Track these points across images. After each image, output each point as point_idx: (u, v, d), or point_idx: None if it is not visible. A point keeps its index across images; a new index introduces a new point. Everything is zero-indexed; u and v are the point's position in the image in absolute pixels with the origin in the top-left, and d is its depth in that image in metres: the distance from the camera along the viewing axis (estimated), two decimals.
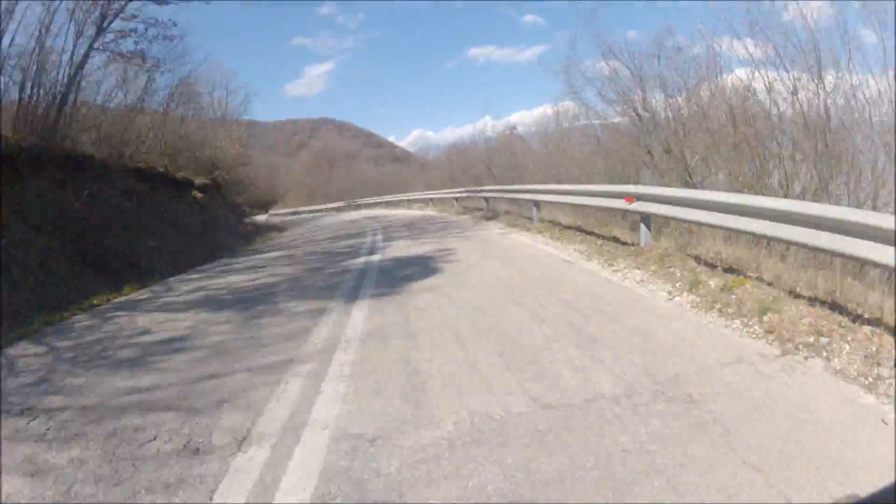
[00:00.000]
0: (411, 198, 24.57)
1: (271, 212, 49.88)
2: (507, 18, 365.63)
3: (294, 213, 42.58)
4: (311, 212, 39.34)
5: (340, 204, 34.76)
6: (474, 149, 25.35)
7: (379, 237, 11.17)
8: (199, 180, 20.22)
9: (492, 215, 12.34)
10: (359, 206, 32.10)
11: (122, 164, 13.95)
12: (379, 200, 28.91)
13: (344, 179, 41.27)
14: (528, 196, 10.12)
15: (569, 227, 8.35)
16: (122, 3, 10.78)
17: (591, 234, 7.48)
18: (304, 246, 12.19)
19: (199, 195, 19.81)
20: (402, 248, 8.42)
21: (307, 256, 9.74)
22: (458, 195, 17.10)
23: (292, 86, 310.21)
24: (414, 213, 20.31)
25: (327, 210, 36.70)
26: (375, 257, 7.63)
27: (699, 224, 5.13)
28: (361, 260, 7.61)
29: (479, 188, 13.83)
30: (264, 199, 62.28)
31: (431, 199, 21.04)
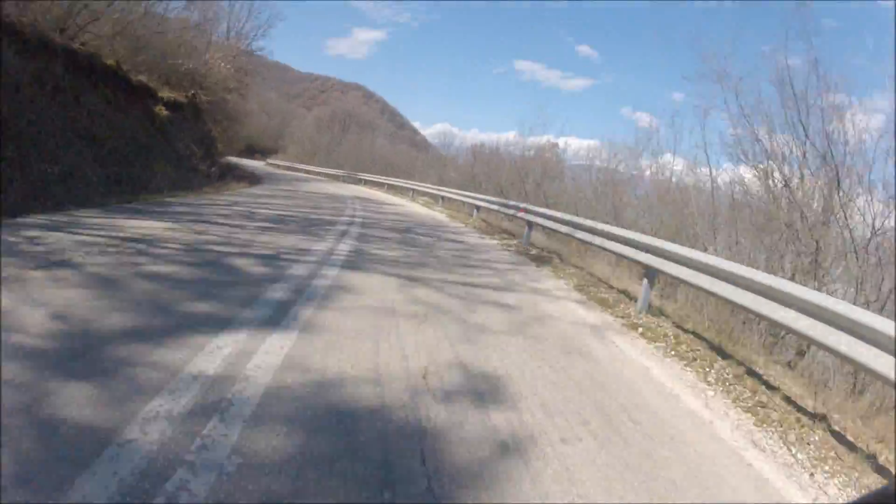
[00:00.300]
0: (419, 188, 20.60)
1: (270, 160, 45.68)
2: (563, 43, 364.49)
3: (290, 168, 38.40)
4: (306, 172, 35.16)
5: (340, 172, 30.63)
6: (506, 155, 21.69)
7: (339, 252, 6.16)
8: (167, 94, 16.07)
9: (539, 255, 8.25)
10: (358, 181, 28.03)
11: (48, 39, 9.85)
12: (382, 181, 24.88)
13: (353, 147, 37.06)
14: (629, 253, 5.51)
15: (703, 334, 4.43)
16: None
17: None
18: (211, 230, 8.16)
19: (164, 112, 15.67)
20: (357, 326, 3.34)
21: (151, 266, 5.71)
22: (482, 203, 13.13)
23: (335, 42, 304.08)
24: (418, 209, 16.33)
25: (323, 175, 32.57)
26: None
27: None
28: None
29: (519, 205, 9.81)
30: (265, 145, 58.09)
31: (443, 198, 17.06)
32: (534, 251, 8.45)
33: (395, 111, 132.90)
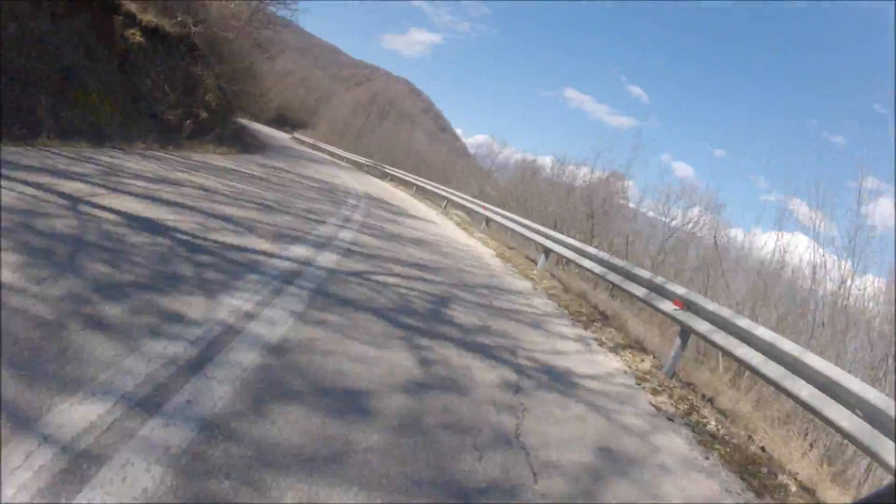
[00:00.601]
0: (456, 198, 16.12)
1: (296, 134, 41.74)
2: (615, 81, 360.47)
3: (314, 146, 34.34)
4: (330, 153, 31.01)
5: (366, 161, 26.32)
6: (559, 183, 17.76)
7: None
8: (150, 18, 11.89)
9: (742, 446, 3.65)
10: (384, 175, 23.64)
11: None
12: (412, 180, 20.43)
13: (388, 136, 32.84)
14: None
15: None
16: None
17: None
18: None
19: (137, 39, 11.48)
20: None
21: None
22: (555, 247, 8.49)
23: (391, 38, 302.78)
24: (453, 232, 11.78)
25: (346, 161, 28.32)
26: None
27: None
28: None
29: (670, 289, 4.76)
30: (298, 118, 54.34)
31: (488, 220, 12.49)
32: (711, 419, 3.82)
33: (440, 113, 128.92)
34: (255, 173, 10.21)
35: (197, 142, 12.12)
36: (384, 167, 24.00)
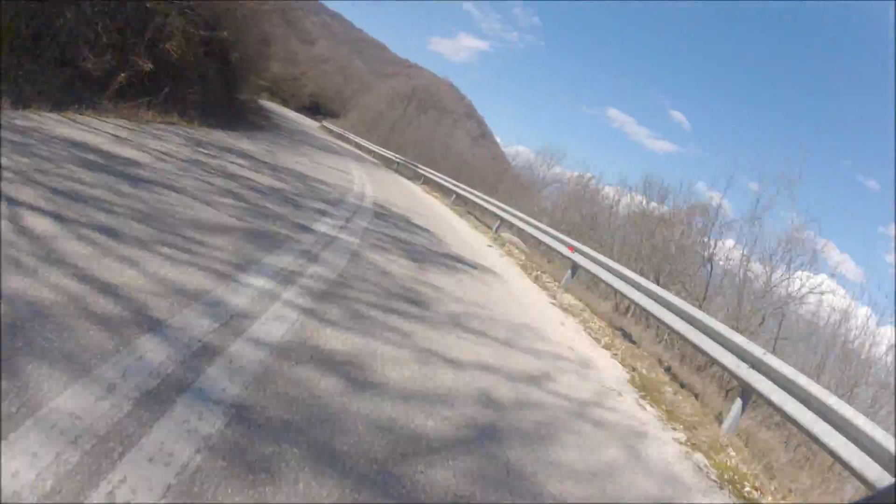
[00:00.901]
0: (501, 211, 11.32)
1: (325, 122, 37.56)
2: (657, 105, 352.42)
3: (341, 136, 30.01)
4: (356, 145, 26.54)
5: (397, 157, 21.68)
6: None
7: None
8: None
9: None
10: (416, 176, 18.92)
11: None
12: (452, 186, 15.62)
13: (425, 133, 28.17)
14: None
15: None
16: None
17: None
18: None
19: None
20: None
21: None
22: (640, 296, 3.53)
23: (438, 41, 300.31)
24: (508, 265, 6.89)
25: (375, 156, 23.79)
26: None
27: None
28: None
29: None
30: (333, 107, 50.48)
31: (576, 266, 7.53)
32: None
33: (482, 119, 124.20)
34: (221, 173, 5.57)
35: (135, 104, 7.69)
36: (417, 166, 19.23)
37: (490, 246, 9.42)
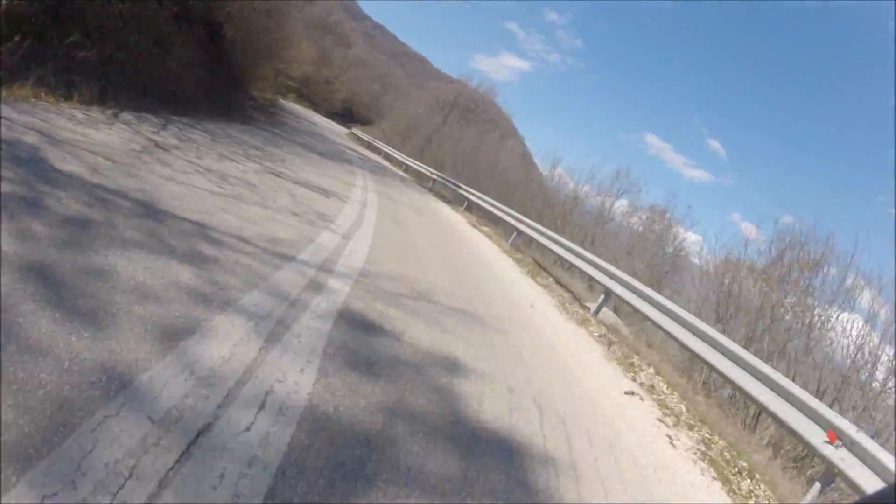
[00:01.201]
0: (604, 276, 6.83)
1: (354, 129, 33.93)
2: (695, 133, 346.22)
3: (369, 145, 26.17)
4: (385, 155, 22.54)
5: (432, 173, 17.40)
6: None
7: None
8: None
9: None
10: (459, 200, 14.55)
11: None
12: (507, 218, 11.16)
13: (469, 145, 23.90)
14: None
15: None
16: None
17: None
18: None
19: None
20: None
21: None
22: None
23: (481, 59, 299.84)
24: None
25: (405, 169, 19.70)
26: None
27: None
28: None
29: None
30: (368, 115, 47.04)
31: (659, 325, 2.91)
32: None
33: (522, 138, 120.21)
34: None
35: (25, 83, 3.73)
36: (461, 187, 14.79)
37: (604, 365, 4.87)
